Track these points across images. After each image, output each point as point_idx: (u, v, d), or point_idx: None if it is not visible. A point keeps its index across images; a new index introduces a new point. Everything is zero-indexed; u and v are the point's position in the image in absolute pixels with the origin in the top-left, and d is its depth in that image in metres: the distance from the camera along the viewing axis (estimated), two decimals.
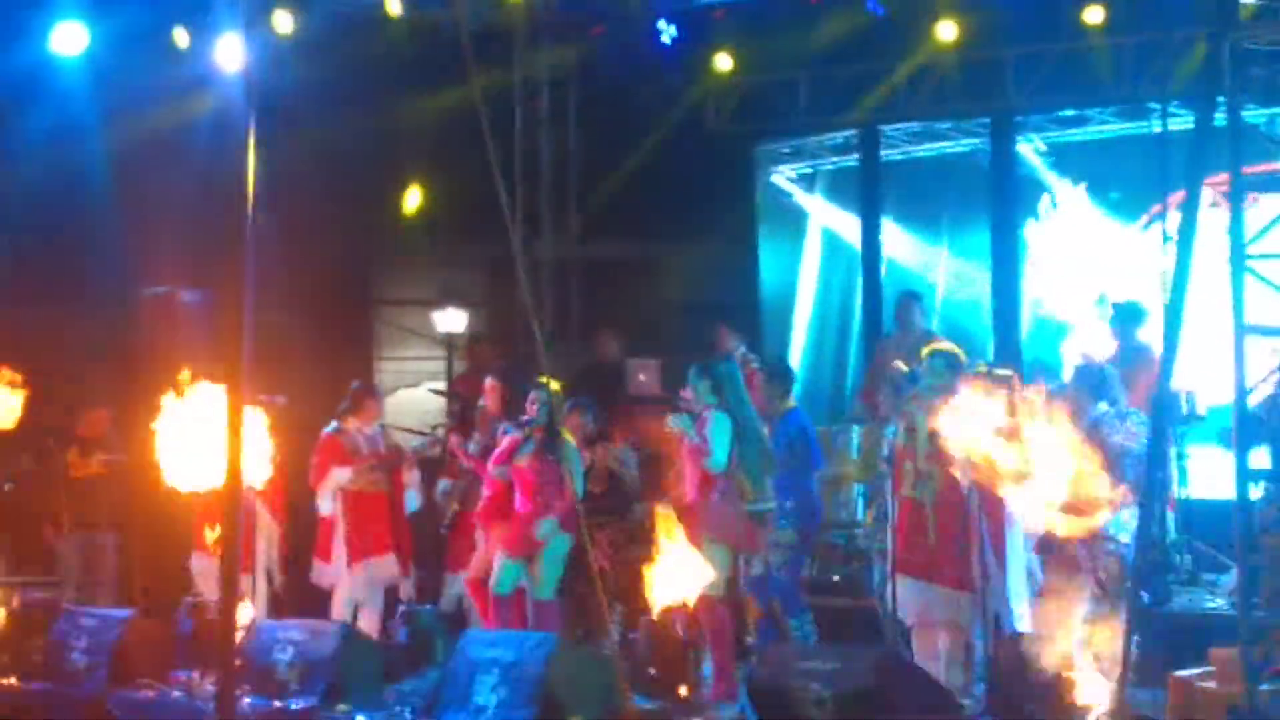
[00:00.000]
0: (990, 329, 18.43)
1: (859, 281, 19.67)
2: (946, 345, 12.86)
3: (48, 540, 16.13)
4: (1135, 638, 11.48)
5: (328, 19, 16.95)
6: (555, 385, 13.32)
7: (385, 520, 14.42)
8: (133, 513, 15.69)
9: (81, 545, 15.98)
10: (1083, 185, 18.44)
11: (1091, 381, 12.60)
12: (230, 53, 14.84)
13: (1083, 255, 18.23)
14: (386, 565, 14.35)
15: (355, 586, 14.25)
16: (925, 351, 12.54)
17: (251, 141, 9.58)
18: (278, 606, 14.16)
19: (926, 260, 19.62)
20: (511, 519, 13.32)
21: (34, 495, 16.21)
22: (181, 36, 16.48)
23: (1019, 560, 12.40)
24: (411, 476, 14.71)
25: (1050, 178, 18.65)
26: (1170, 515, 14.01)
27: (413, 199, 17.95)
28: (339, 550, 14.22)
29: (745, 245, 20.35)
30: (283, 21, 16.42)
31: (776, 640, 13.13)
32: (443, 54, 15.36)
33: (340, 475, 14.28)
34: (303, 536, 14.75)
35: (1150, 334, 14.14)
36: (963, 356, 12.27)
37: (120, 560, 16.04)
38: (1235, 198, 9.84)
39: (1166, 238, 15.16)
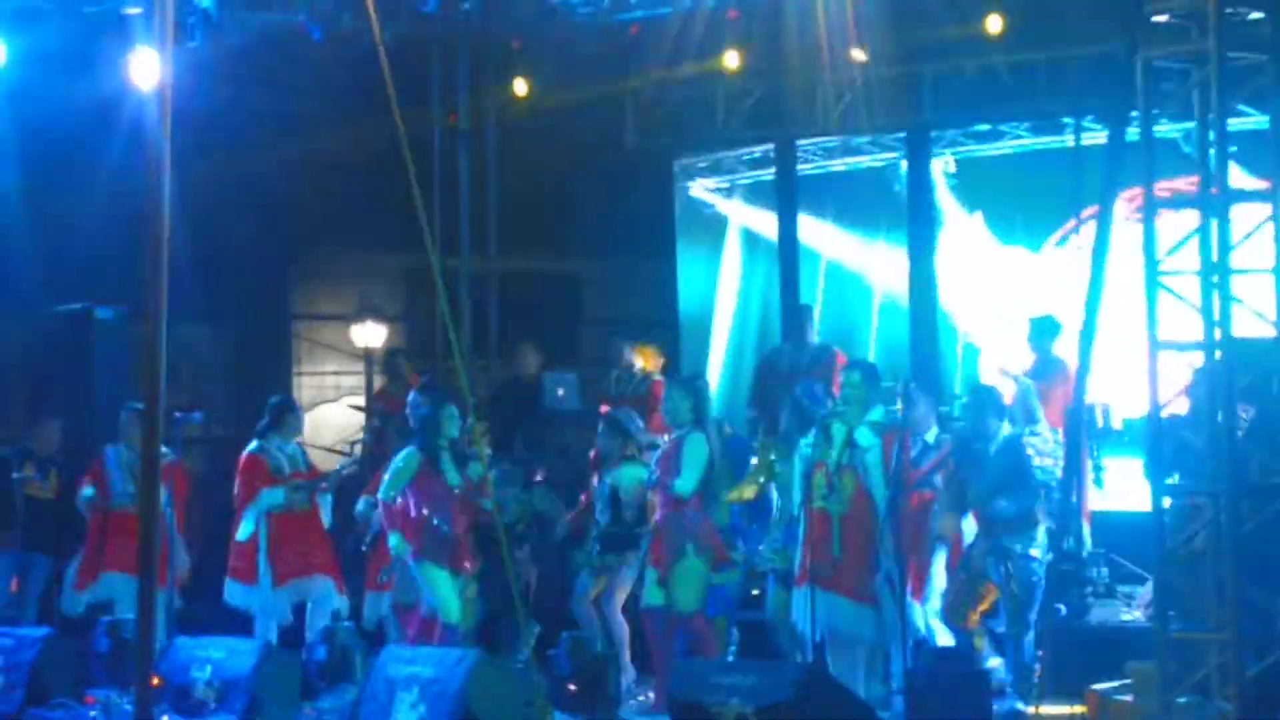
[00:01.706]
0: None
1: (778, 290, 19.71)
2: (861, 360, 12.98)
3: None
4: (1040, 652, 11.63)
5: (246, 37, 16.86)
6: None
7: (314, 540, 14.31)
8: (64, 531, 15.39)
9: (17, 565, 15.48)
10: (979, 214, 18.59)
11: (991, 401, 12.68)
12: (146, 70, 14.75)
13: (987, 278, 18.39)
14: (316, 585, 14.23)
15: (281, 607, 14.15)
16: (842, 366, 12.64)
17: (166, 158, 9.56)
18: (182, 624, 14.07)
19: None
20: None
21: None
22: (99, 51, 16.34)
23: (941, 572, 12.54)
24: (324, 495, 14.59)
25: (950, 203, 18.76)
26: (1086, 528, 14.10)
27: None
28: (264, 571, 14.10)
29: (664, 259, 20.41)
30: (200, 39, 16.32)
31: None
32: (360, 69, 15.32)
33: (272, 497, 14.13)
34: (205, 553, 14.67)
35: (1065, 348, 14.23)
36: (875, 368, 12.39)
37: (49, 582, 15.66)
38: (1148, 213, 9.92)
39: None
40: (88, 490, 14.79)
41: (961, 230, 18.71)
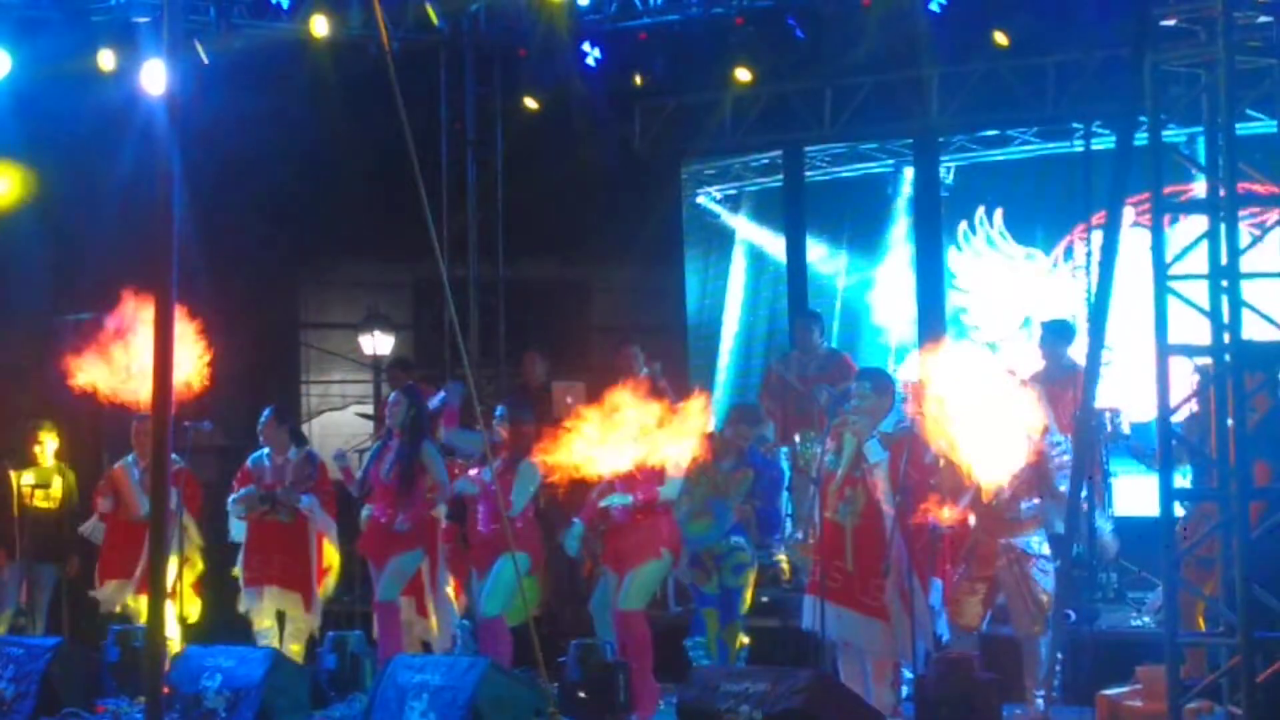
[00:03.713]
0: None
1: (785, 302, 19.70)
2: (873, 369, 12.94)
3: None
4: (1059, 655, 11.58)
5: (253, 43, 16.88)
6: None
7: (278, 550, 14.25)
8: (69, 540, 15.39)
9: (25, 575, 15.26)
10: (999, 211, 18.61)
11: None
12: (155, 77, 14.79)
13: (1004, 279, 18.38)
14: (279, 596, 14.23)
15: (256, 611, 14.21)
16: (855, 374, 12.63)
17: (176, 167, 9.55)
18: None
19: (845, 271, 19.77)
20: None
21: None
22: (106, 60, 16.37)
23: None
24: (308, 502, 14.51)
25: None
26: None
27: None
28: (241, 574, 14.26)
29: (671, 267, 20.41)
30: (208, 46, 16.34)
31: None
32: (367, 77, 15.36)
33: (228, 501, 14.34)
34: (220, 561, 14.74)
35: (1078, 352, 14.20)
36: (889, 377, 12.33)
37: (56, 591, 15.63)
38: (1156, 218, 9.89)
39: (1088, 258, 15.28)
40: (106, 502, 14.85)
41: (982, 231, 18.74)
